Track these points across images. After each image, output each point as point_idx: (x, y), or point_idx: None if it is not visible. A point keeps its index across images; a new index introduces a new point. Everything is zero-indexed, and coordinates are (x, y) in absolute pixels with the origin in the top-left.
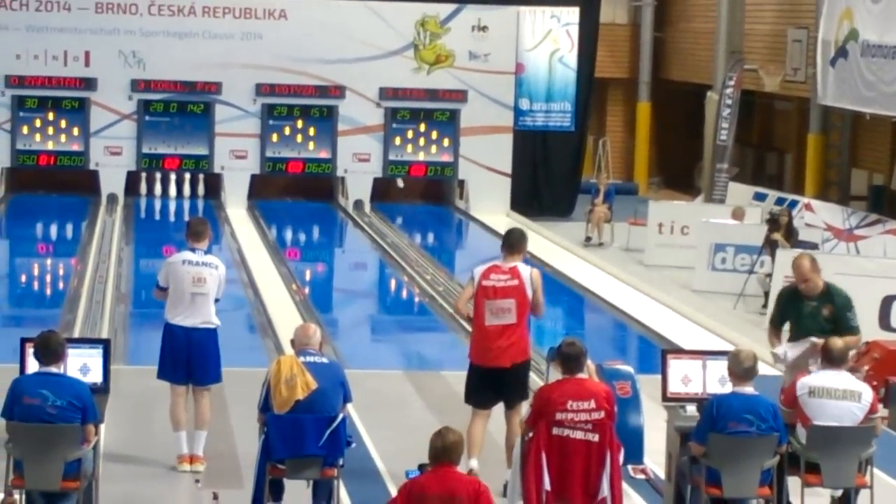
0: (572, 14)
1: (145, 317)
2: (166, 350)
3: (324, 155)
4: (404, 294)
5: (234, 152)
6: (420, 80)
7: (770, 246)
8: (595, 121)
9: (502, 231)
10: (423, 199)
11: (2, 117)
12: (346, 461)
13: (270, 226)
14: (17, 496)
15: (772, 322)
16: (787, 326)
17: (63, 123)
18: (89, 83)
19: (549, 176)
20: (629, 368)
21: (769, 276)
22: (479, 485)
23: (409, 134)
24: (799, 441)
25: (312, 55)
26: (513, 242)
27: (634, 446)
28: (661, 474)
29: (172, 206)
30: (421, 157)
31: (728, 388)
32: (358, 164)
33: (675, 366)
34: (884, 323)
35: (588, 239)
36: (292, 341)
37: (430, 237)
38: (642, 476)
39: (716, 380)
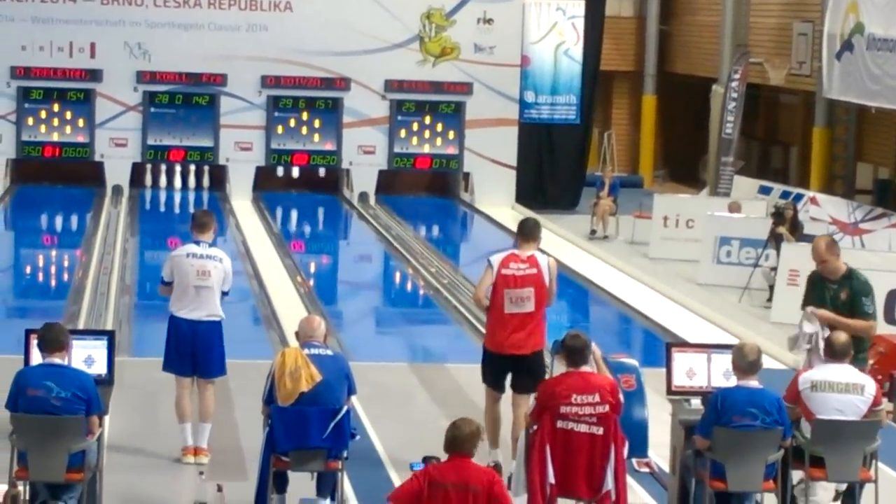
0: (578, 6)
1: (150, 308)
2: (171, 342)
3: (329, 147)
4: (409, 286)
5: (240, 144)
6: (425, 73)
7: (775, 239)
8: (600, 113)
9: (507, 224)
10: (428, 191)
11: (7, 108)
12: (350, 453)
13: (275, 218)
14: (21, 487)
15: (802, 306)
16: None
17: (68, 115)
18: (95, 74)
19: (554, 169)
20: (634, 361)
21: (774, 269)
22: (493, 475)
23: (415, 126)
24: (803, 435)
25: (318, 47)
26: (528, 231)
27: (639, 440)
28: (666, 468)
29: (177, 198)
30: (426, 149)
31: (732, 381)
32: (363, 156)
33: (680, 359)
34: (889, 317)
35: (593, 232)
36: (297, 333)
37: (435, 230)
38: (646, 469)
39: (720, 373)
